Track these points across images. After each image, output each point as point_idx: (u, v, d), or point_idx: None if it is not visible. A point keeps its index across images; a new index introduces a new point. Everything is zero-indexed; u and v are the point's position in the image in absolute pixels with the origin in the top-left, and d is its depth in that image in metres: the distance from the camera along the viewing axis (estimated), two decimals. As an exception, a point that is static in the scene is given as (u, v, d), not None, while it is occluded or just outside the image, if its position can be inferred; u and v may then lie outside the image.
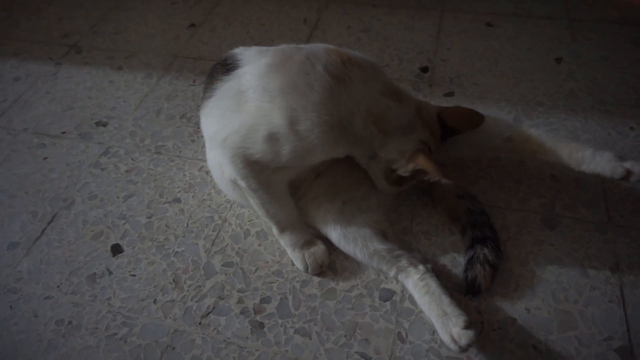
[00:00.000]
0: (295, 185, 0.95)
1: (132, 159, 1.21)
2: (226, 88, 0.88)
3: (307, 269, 0.92)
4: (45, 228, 1.08)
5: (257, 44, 1.52)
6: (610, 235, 0.95)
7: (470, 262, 0.88)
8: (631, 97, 1.22)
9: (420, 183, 0.93)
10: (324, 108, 0.79)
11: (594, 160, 0.89)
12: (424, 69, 1.36)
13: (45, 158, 1.24)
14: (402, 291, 0.90)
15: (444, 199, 0.98)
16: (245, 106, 0.83)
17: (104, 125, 1.31)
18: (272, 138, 0.80)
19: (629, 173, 0.86)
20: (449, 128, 0.91)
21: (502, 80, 1.30)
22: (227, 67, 0.89)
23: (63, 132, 1.31)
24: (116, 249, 1.02)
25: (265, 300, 0.91)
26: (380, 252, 0.90)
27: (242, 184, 0.88)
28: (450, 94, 1.28)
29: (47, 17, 1.78)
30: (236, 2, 1.73)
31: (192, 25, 1.64)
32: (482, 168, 1.07)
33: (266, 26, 1.60)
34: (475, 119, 0.90)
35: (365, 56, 0.91)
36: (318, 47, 0.87)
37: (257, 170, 0.85)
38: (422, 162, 0.82)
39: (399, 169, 0.86)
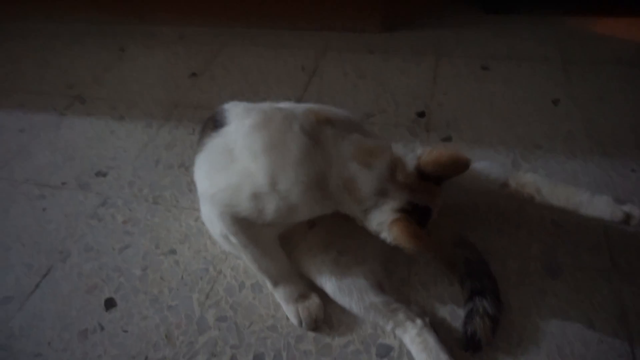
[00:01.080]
0: (288, 236, 0.93)
1: (129, 209, 1.21)
2: (214, 144, 0.89)
3: (302, 323, 0.89)
4: (40, 281, 1.07)
5: (256, 92, 1.56)
6: (615, 283, 0.91)
7: (469, 316, 0.85)
8: (630, 139, 1.21)
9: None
10: (301, 168, 0.79)
11: (592, 204, 0.88)
12: (421, 114, 1.37)
13: (44, 209, 1.25)
14: (400, 346, 0.86)
15: (441, 248, 0.96)
16: (231, 165, 0.84)
17: (104, 175, 1.32)
18: (256, 197, 0.81)
19: (628, 217, 0.85)
20: (435, 177, 0.86)
21: (499, 123, 1.30)
22: (215, 123, 0.91)
23: (63, 183, 1.32)
24: (109, 303, 1.01)
25: (258, 357, 0.88)
26: (376, 305, 0.87)
27: (233, 239, 0.88)
28: (447, 139, 1.28)
29: (54, 69, 1.83)
30: (236, 51, 1.78)
31: (193, 74, 1.68)
32: (480, 213, 1.06)
33: (265, 74, 1.63)
34: (458, 164, 0.82)
35: (346, 113, 0.91)
36: (298, 107, 0.88)
37: (245, 226, 0.85)
38: (396, 236, 0.78)
39: (386, 240, 0.82)
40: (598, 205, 0.87)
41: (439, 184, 0.86)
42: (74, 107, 1.61)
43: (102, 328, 0.96)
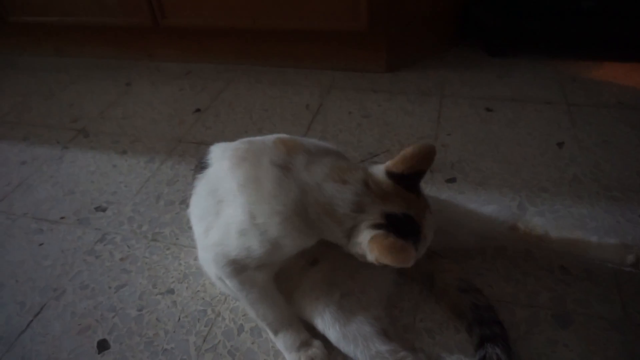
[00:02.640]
0: (287, 276, 0.91)
1: (127, 246, 1.18)
2: (201, 186, 0.92)
3: (303, 375, 0.85)
4: (32, 321, 1.03)
5: (260, 129, 1.57)
6: (628, 335, 0.88)
7: (481, 364, 0.81)
8: (637, 183, 1.20)
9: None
10: (274, 199, 0.78)
11: (600, 247, 0.88)
12: (425, 154, 1.37)
13: (41, 244, 1.23)
14: (406, 399, 0.82)
15: (447, 293, 0.93)
16: (218, 206, 0.86)
17: (103, 210, 1.31)
18: (242, 234, 0.81)
19: (638, 260, 0.85)
20: (407, 176, 0.82)
21: (504, 166, 1.29)
22: (201, 165, 0.94)
23: (62, 217, 1.30)
24: (102, 346, 0.97)
25: (256, 407, 0.84)
26: (383, 354, 0.83)
27: (228, 283, 0.86)
28: (452, 180, 1.27)
29: (59, 102, 1.85)
30: (241, 88, 1.80)
31: (198, 110, 1.70)
32: (486, 259, 1.03)
33: (269, 112, 1.64)
34: (424, 152, 0.79)
35: (321, 142, 0.91)
36: (268, 139, 0.89)
37: (238, 269, 0.84)
38: (377, 255, 0.74)
39: (373, 261, 0.78)
40: (607, 249, 0.87)
41: (414, 190, 0.82)
42: (77, 141, 1.61)
43: (94, 372, 0.92)
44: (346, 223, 0.78)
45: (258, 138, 0.92)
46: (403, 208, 0.79)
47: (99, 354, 0.95)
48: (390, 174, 0.81)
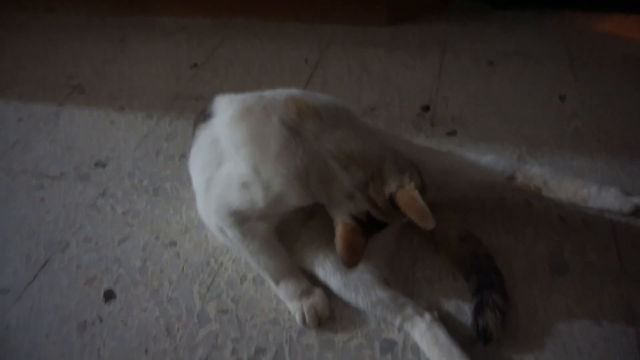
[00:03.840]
0: (287, 228, 0.92)
1: (129, 201, 1.19)
2: (204, 136, 0.90)
3: (305, 322, 0.88)
4: (38, 273, 1.05)
5: (259, 84, 1.54)
6: (623, 282, 0.90)
7: (479, 308, 0.83)
8: (638, 136, 1.20)
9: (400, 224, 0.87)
10: (279, 161, 0.78)
11: (600, 196, 0.87)
12: (426, 108, 1.36)
13: (43, 199, 1.23)
14: (404, 341, 0.85)
15: (446, 242, 0.95)
16: (220, 157, 0.85)
17: (103, 166, 1.31)
18: (244, 186, 0.81)
19: (637, 209, 0.84)
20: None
21: (505, 119, 1.28)
22: (205, 115, 0.92)
23: (62, 173, 1.30)
24: (109, 295, 0.99)
25: (260, 351, 0.86)
26: (383, 301, 0.86)
27: (229, 233, 0.87)
28: (452, 133, 1.26)
29: (53, 60, 1.81)
30: (238, 43, 1.76)
31: (195, 65, 1.66)
32: (485, 210, 1.04)
33: (267, 67, 1.61)
34: (423, 220, 0.76)
35: (333, 101, 0.88)
36: (279, 95, 0.85)
37: (239, 220, 0.84)
38: (336, 238, 0.80)
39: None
40: (606, 198, 0.86)
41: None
42: (73, 97, 1.59)
43: (101, 320, 0.94)
44: (334, 201, 0.80)
45: (268, 93, 0.89)
46: (384, 219, 0.81)
47: (105, 303, 0.97)
48: (391, 199, 0.79)
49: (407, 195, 0.77)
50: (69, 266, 1.06)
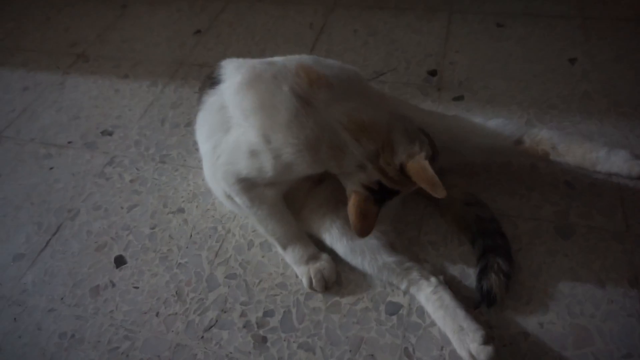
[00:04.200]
0: (294, 194, 0.93)
1: (136, 169, 1.20)
2: (212, 102, 0.89)
3: (312, 286, 0.90)
4: (50, 239, 1.08)
5: (263, 49, 1.52)
6: (628, 245, 0.90)
7: (484, 272, 0.85)
8: (649, 99, 1.17)
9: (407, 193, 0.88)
10: (289, 131, 0.77)
11: (609, 159, 0.86)
12: (432, 73, 1.33)
13: (52, 168, 1.24)
14: (410, 304, 0.87)
15: (452, 207, 0.95)
16: (228, 123, 0.84)
17: (110, 134, 1.31)
18: (253, 154, 0.80)
19: None
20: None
21: (513, 83, 1.26)
22: (212, 80, 0.90)
23: (69, 142, 1.31)
24: (119, 261, 1.01)
25: (268, 313, 0.89)
26: (389, 265, 0.87)
27: (237, 200, 0.88)
28: (459, 98, 1.25)
29: (55, 27, 1.79)
30: (241, 8, 1.72)
31: (198, 31, 1.64)
32: (492, 174, 1.04)
33: (272, 31, 1.58)
34: (433, 189, 0.77)
35: (343, 67, 0.87)
36: (290, 63, 0.84)
37: (247, 186, 0.85)
38: (349, 207, 0.81)
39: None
40: (615, 161, 0.85)
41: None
42: (77, 66, 1.58)
43: (114, 285, 0.97)
44: (345, 171, 0.81)
45: (278, 60, 0.88)
46: (396, 187, 0.82)
47: (117, 268, 1.00)
48: (402, 168, 0.79)
49: (418, 165, 0.77)
50: (79, 233, 1.08)
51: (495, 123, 0.94)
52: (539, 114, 1.17)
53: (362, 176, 0.80)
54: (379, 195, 0.82)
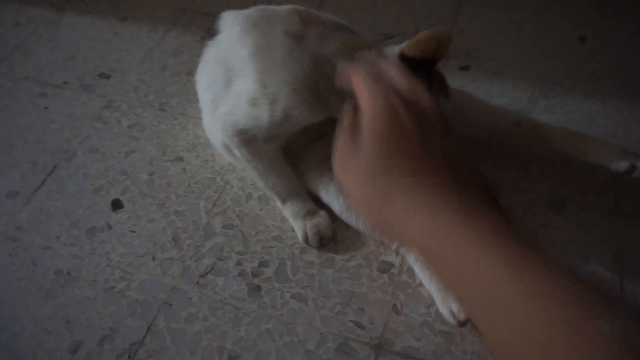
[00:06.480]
0: (291, 151, 0.93)
1: (135, 114, 1.18)
2: (210, 53, 0.90)
3: (307, 240, 0.91)
4: (46, 179, 1.07)
5: (269, 2, 1.47)
6: (616, 223, 0.93)
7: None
8: (654, 83, 1.18)
9: None
10: (285, 69, 0.77)
11: (600, 152, 0.91)
12: (440, 40, 1.31)
13: (47, 108, 1.22)
14: (401, 264, 0.89)
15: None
16: (228, 75, 0.85)
17: (107, 77, 1.28)
18: (252, 103, 0.81)
19: (633, 167, 0.87)
20: (420, 61, 0.77)
21: (522, 57, 1.25)
22: (212, 31, 0.91)
23: (65, 83, 1.28)
24: (116, 204, 1.01)
25: (263, 264, 0.91)
26: None
27: (236, 152, 0.88)
28: (466, 68, 1.24)
29: (52, -40, 1.70)
30: (249, -44, 1.66)
31: (203, -22, 1.58)
32: (491, 146, 1.05)
33: (279, -16, 1.53)
34: (439, 39, 0.73)
35: (334, 17, 0.87)
36: (282, 8, 0.85)
37: (246, 139, 0.85)
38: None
39: None
40: (605, 155, 0.90)
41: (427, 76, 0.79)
42: (73, 3, 1.52)
43: (110, 227, 0.98)
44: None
45: (272, 7, 0.88)
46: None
47: (113, 211, 1.00)
48: (403, 57, 0.77)
49: (414, 39, 0.75)
50: (76, 175, 1.07)
51: (497, 102, 0.96)
52: (543, 89, 1.17)
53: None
54: None
